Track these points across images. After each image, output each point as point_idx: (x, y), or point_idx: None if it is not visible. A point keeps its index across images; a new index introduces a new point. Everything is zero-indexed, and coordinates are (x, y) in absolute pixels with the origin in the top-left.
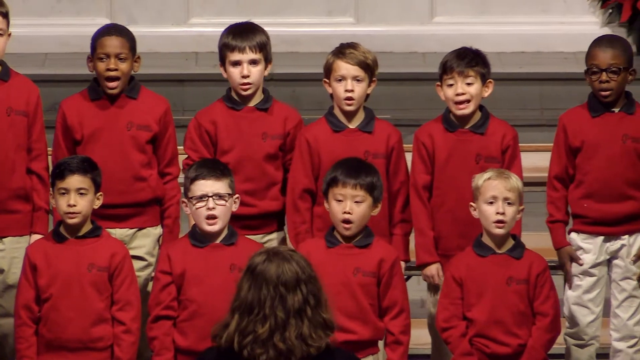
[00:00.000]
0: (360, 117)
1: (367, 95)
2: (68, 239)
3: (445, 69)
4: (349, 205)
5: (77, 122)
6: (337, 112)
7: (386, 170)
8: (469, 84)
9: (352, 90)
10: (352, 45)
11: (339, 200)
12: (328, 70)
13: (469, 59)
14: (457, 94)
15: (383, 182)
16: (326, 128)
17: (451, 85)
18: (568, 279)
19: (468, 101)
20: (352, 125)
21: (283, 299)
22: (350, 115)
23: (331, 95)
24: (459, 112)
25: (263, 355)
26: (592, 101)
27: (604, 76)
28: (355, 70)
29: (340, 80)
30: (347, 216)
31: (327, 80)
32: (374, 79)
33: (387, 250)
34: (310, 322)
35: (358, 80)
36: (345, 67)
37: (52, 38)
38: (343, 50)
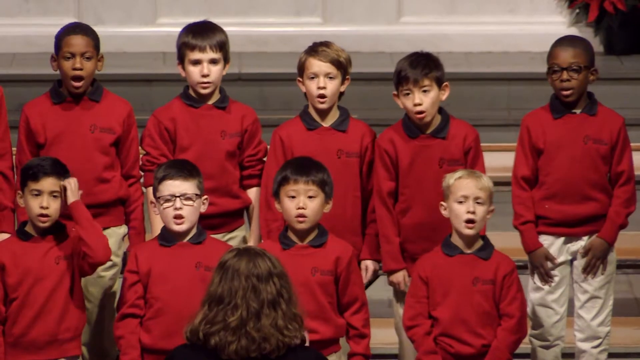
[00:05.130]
0: (334, 116)
1: (341, 94)
2: (34, 237)
3: (400, 79)
4: (303, 200)
5: (41, 126)
6: (311, 110)
7: (360, 169)
8: (425, 92)
9: (324, 88)
10: (325, 44)
11: (292, 197)
12: (301, 68)
13: (422, 67)
14: (416, 104)
15: (356, 181)
16: (300, 126)
17: (408, 94)
18: (546, 280)
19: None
20: (326, 124)
21: (256, 290)
22: (324, 114)
23: (305, 95)
24: (421, 122)
25: (234, 344)
26: (554, 102)
27: (564, 75)
28: (327, 68)
29: (312, 77)
30: (301, 211)
31: (300, 79)
32: (347, 77)
33: (343, 247)
34: (284, 314)
35: (330, 77)
36: (317, 65)
37: (19, 38)
38: (316, 48)
